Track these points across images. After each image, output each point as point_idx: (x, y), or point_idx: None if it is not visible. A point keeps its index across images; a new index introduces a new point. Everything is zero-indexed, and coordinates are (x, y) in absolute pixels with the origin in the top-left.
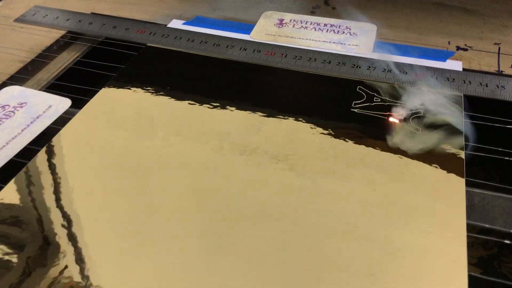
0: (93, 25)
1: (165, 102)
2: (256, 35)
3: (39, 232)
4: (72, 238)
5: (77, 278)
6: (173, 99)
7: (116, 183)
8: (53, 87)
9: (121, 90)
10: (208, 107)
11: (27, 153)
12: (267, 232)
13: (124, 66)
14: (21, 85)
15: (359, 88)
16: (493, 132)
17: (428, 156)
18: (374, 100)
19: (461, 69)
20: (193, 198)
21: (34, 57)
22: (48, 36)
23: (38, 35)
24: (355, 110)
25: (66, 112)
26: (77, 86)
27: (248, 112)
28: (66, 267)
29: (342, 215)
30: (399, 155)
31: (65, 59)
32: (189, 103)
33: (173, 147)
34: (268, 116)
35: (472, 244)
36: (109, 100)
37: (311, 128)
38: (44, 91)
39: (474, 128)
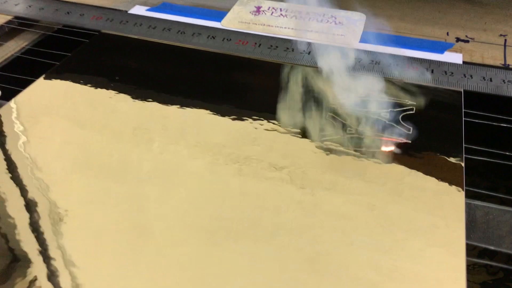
0: (44, 11)
1: (107, 97)
2: (228, 23)
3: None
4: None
5: None
6: (117, 93)
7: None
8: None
9: (59, 81)
10: (159, 103)
11: None
12: (264, 245)
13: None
14: None
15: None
16: (498, 134)
17: (424, 165)
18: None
19: (461, 62)
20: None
21: None
22: None
23: None
24: (335, 106)
25: None
26: (17, 76)
27: (202, 109)
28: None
29: (341, 230)
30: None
31: (11, 48)
32: (132, 98)
33: (113, 148)
34: (234, 114)
35: (473, 267)
36: (43, 92)
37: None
38: None
39: (475, 129)
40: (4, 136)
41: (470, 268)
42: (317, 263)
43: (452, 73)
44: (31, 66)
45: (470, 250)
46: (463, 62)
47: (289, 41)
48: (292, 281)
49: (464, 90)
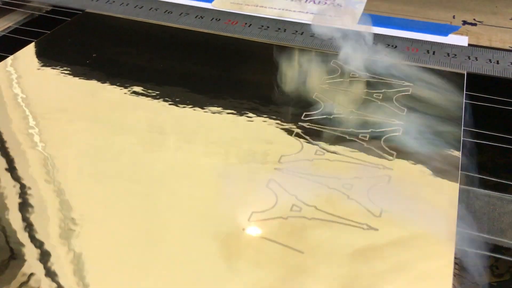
0: None
1: (76, 80)
2: (220, 4)
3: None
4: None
5: None
6: (86, 78)
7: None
8: None
9: (30, 61)
10: (136, 91)
11: None
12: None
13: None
14: None
15: (334, 62)
16: (502, 117)
17: (417, 147)
18: (350, 75)
19: (466, 45)
20: None
21: None
22: None
23: None
24: (324, 86)
25: None
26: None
27: (182, 90)
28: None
29: None
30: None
31: None
32: (100, 82)
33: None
34: (208, 103)
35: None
36: (14, 71)
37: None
38: None
39: (477, 111)
40: None
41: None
42: None
43: (455, 55)
44: (16, 46)
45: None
46: (469, 44)
47: (282, 21)
48: None
49: (467, 73)
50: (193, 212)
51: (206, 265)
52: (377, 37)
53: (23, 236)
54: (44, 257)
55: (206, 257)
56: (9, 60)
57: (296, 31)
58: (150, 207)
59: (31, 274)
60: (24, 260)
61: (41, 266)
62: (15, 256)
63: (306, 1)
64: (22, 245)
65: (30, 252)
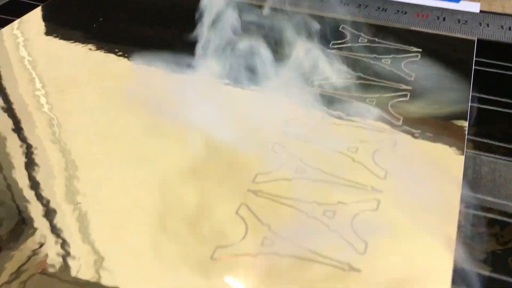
0: None
1: (82, 45)
2: None
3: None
4: (51, 218)
5: (52, 259)
6: (92, 43)
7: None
8: None
9: (37, 25)
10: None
11: None
12: None
13: None
14: None
15: (342, 27)
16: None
17: (423, 112)
18: (359, 40)
19: (478, 11)
20: None
21: None
22: None
23: None
24: (332, 51)
25: None
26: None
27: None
28: (40, 250)
29: None
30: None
31: None
32: (106, 48)
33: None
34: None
35: (480, 236)
36: (21, 34)
37: None
38: None
39: (486, 78)
40: None
41: (477, 237)
42: None
43: (466, 21)
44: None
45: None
46: (480, 11)
47: None
48: None
49: (478, 39)
50: (186, 176)
51: (194, 227)
52: (387, 3)
53: (29, 194)
54: (50, 214)
55: (195, 219)
56: (15, 23)
57: None
58: (157, 169)
59: (36, 229)
60: (31, 218)
61: (47, 223)
62: (21, 214)
63: None
64: (28, 202)
65: (36, 210)
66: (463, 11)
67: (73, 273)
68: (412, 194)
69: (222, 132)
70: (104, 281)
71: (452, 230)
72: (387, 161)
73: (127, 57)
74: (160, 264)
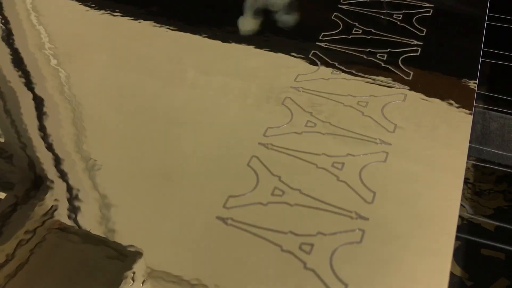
0: None
1: (105, 13)
2: None
3: (30, 167)
4: (66, 175)
5: (66, 219)
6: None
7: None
8: None
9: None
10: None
11: None
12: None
13: None
14: None
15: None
16: None
17: (435, 66)
18: None
19: None
20: None
21: None
22: None
23: None
24: (343, 7)
25: None
26: None
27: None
28: (54, 207)
29: None
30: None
31: None
32: (129, 14)
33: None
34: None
35: (489, 192)
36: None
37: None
38: None
39: (498, 33)
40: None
41: (486, 193)
42: None
43: None
44: None
45: (482, 167)
46: None
47: None
48: None
49: None
50: (212, 143)
51: (204, 178)
52: None
53: (40, 151)
54: (62, 172)
55: (206, 171)
56: None
57: None
58: (167, 136)
59: (50, 187)
60: (44, 176)
61: (59, 180)
62: (35, 172)
63: None
64: (40, 159)
65: (48, 168)
66: None
67: (86, 227)
68: (420, 147)
69: (232, 94)
70: (116, 237)
71: (458, 181)
72: (396, 115)
73: (137, 19)
74: (172, 214)
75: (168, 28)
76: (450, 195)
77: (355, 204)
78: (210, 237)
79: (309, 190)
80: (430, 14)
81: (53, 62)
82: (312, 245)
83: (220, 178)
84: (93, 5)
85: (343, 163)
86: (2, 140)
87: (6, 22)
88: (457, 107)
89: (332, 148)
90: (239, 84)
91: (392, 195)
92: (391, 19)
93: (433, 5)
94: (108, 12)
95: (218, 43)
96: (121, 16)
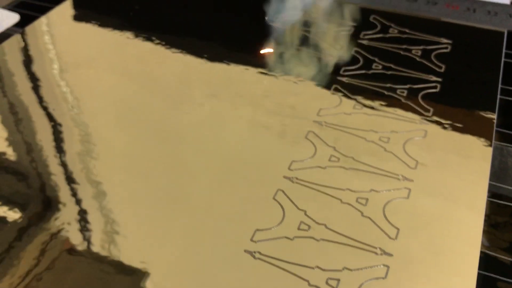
0: None
1: (118, 34)
2: None
3: (40, 189)
4: (75, 196)
5: (76, 240)
6: (129, 31)
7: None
8: (20, 6)
9: (76, 11)
10: (167, 47)
11: None
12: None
13: None
14: None
15: (373, 18)
16: None
17: (454, 103)
18: (390, 31)
19: (508, 3)
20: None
21: None
22: None
23: None
24: (363, 42)
25: (10, 29)
26: (44, 4)
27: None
28: (65, 226)
29: None
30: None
31: None
32: (142, 36)
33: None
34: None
35: (504, 224)
36: (60, 20)
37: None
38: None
39: None
40: (29, 56)
41: (502, 225)
42: None
43: (496, 13)
44: None
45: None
46: (511, 3)
47: None
48: None
49: (508, 31)
50: (220, 165)
51: (231, 211)
52: None
53: (52, 173)
54: (73, 194)
55: (232, 203)
56: (44, 18)
57: None
58: (177, 153)
59: (60, 209)
60: (55, 197)
61: (70, 202)
62: (43, 184)
63: None
64: (52, 181)
65: (59, 190)
66: (493, 3)
67: (96, 249)
68: (441, 183)
69: (243, 119)
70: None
71: (479, 218)
72: (417, 151)
73: (148, 41)
74: (197, 245)
75: (179, 51)
76: (471, 232)
77: (379, 239)
78: (239, 270)
79: (334, 225)
80: (448, 50)
81: (64, 82)
82: (338, 280)
83: (247, 211)
84: (105, 26)
85: (367, 199)
86: (15, 159)
87: (26, 48)
88: (477, 144)
89: (356, 183)
90: (262, 114)
91: (415, 231)
92: (410, 54)
93: (451, 41)
94: (119, 32)
95: (233, 68)
96: (133, 37)
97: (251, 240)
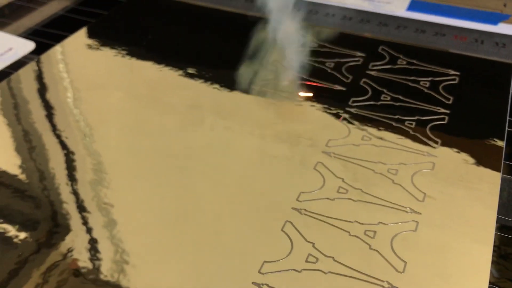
0: None
1: (132, 62)
2: None
3: (52, 216)
4: (86, 224)
5: (83, 261)
6: (142, 60)
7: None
8: (35, 34)
9: (92, 40)
10: (180, 74)
11: None
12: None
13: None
14: None
15: (382, 49)
16: None
17: (461, 137)
18: (398, 62)
19: None
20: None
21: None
22: None
23: None
24: (372, 73)
25: (26, 57)
26: (59, 32)
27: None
28: (71, 248)
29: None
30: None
31: (54, 7)
32: (154, 64)
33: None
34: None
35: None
36: (74, 48)
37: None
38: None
39: None
40: (44, 84)
41: (511, 257)
42: None
43: (504, 44)
44: (72, 25)
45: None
46: None
47: (331, 6)
48: None
49: None
50: (228, 194)
51: (239, 242)
52: (426, 25)
53: (62, 197)
54: (82, 217)
55: (241, 234)
56: (59, 47)
57: (345, 16)
58: (186, 182)
59: (69, 232)
60: (64, 221)
61: (79, 225)
62: (53, 205)
63: None
64: (61, 205)
65: (69, 213)
66: (501, 34)
67: (105, 278)
68: (449, 216)
69: (252, 144)
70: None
71: (487, 250)
72: (425, 184)
73: (161, 66)
74: (202, 275)
75: (193, 77)
76: (480, 264)
77: (387, 273)
78: None
79: (342, 258)
80: (456, 82)
81: (77, 111)
82: None
83: (255, 242)
84: (119, 54)
85: (375, 231)
86: (26, 180)
87: (41, 76)
88: (485, 176)
89: (364, 216)
90: (271, 142)
91: (423, 265)
92: (418, 86)
93: (458, 73)
94: (133, 60)
95: (243, 95)
96: (148, 64)
97: (259, 272)
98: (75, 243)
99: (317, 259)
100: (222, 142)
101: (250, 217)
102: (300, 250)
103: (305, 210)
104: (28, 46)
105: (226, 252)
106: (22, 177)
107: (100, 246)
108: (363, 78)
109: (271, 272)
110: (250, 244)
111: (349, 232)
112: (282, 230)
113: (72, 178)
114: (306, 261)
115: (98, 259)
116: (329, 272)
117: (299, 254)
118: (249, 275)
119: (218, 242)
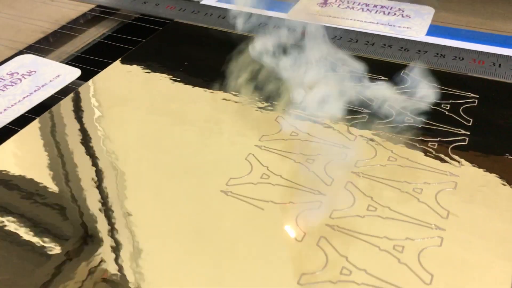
0: (123, 0)
1: (169, 84)
2: (295, 14)
3: (80, 222)
4: (109, 230)
5: (113, 270)
6: (180, 82)
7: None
8: (76, 60)
9: (133, 66)
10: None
11: (23, 120)
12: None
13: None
14: (37, 55)
15: (404, 73)
16: None
17: (483, 158)
18: (419, 86)
19: None
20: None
21: (57, 28)
22: (76, 10)
23: (67, 8)
24: (396, 96)
25: (73, 83)
26: (97, 59)
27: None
28: (102, 261)
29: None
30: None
31: (93, 34)
32: (194, 87)
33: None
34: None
35: None
36: (118, 74)
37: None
38: (63, 62)
39: None
40: (82, 111)
41: None
42: None
43: None
44: (109, 51)
45: None
46: None
47: (354, 32)
48: None
49: None
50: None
51: (256, 257)
52: (445, 49)
53: (90, 211)
54: (109, 231)
55: (257, 249)
56: (90, 82)
57: (368, 42)
58: (204, 197)
59: (98, 246)
60: (94, 234)
61: (107, 239)
62: (82, 217)
63: (376, 12)
64: (96, 228)
65: (97, 226)
66: None
67: (132, 282)
68: (472, 232)
69: (286, 171)
70: None
71: (509, 266)
72: (448, 202)
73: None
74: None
75: (210, 91)
76: (502, 279)
77: (415, 285)
78: None
79: (373, 271)
80: (475, 104)
81: (99, 123)
82: None
83: (291, 255)
84: (160, 78)
85: (403, 246)
86: (56, 192)
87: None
88: (507, 194)
89: (393, 232)
90: (296, 159)
91: (447, 278)
92: (439, 108)
93: (477, 96)
94: (149, 71)
95: (265, 113)
96: (165, 77)
97: (298, 283)
98: (104, 254)
99: (350, 271)
100: (241, 154)
101: (283, 229)
102: (334, 263)
103: (337, 226)
104: (75, 73)
105: (267, 263)
106: (55, 190)
107: (124, 256)
108: (388, 101)
109: (309, 283)
110: (286, 258)
111: (379, 247)
112: (317, 245)
113: (100, 192)
114: (341, 273)
115: (122, 267)
116: (362, 283)
117: (334, 267)
118: (288, 286)
119: (256, 257)
